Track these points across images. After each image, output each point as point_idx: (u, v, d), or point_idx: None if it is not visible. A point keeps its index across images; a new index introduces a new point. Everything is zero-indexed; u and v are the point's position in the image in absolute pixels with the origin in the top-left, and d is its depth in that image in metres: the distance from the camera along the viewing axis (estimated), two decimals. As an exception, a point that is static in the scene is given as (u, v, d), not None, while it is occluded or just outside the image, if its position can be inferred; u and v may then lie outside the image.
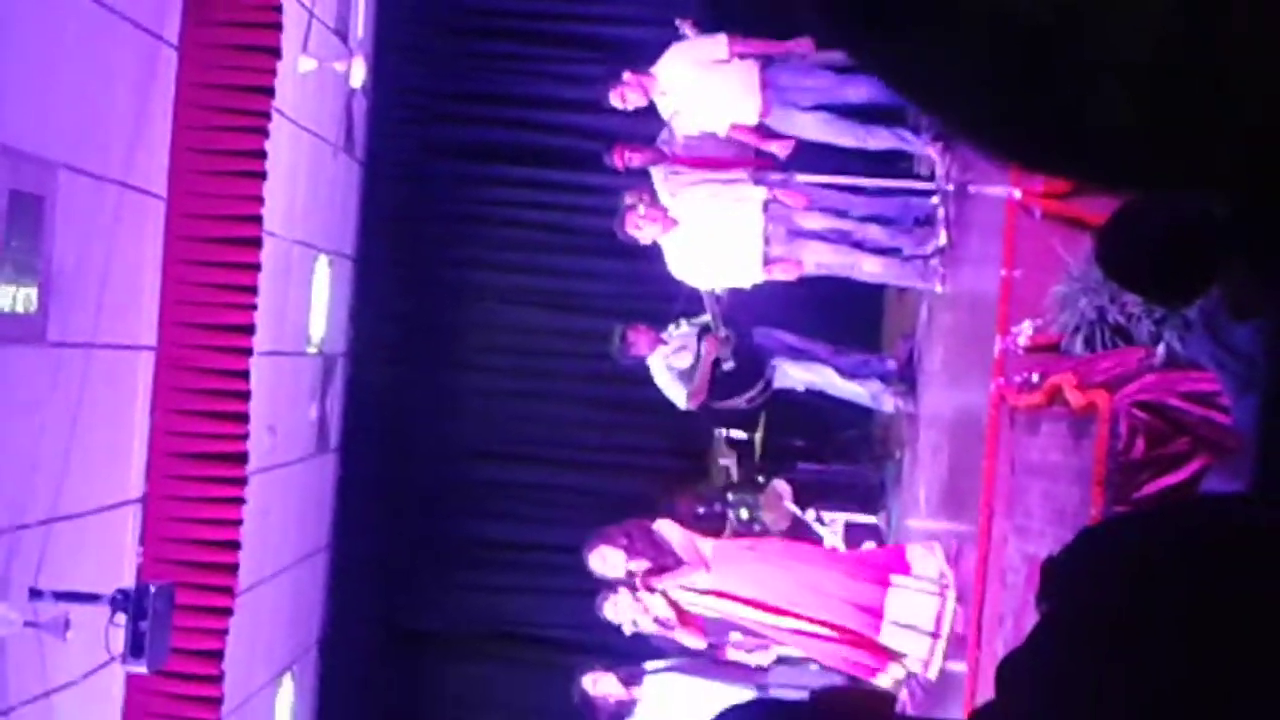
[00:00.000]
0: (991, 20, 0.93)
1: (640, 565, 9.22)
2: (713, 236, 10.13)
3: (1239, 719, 1.21)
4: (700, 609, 9.32)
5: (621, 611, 9.66)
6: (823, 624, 9.16)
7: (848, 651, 9.19)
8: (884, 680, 9.13)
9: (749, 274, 10.19)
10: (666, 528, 9.50)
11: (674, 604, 9.25)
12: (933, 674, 9.02)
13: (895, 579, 9.14)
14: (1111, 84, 0.93)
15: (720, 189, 10.23)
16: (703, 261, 10.25)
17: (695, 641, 9.50)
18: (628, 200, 10.64)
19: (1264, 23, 0.91)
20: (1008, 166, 1.09)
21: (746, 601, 9.19)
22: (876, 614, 9.19)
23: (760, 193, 10.16)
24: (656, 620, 9.49)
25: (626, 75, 10.45)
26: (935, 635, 9.04)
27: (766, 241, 10.09)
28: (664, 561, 9.34)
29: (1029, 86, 0.95)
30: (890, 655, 9.14)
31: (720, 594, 9.20)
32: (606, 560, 9.34)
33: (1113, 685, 1.25)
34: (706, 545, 9.38)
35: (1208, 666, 1.22)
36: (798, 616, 9.15)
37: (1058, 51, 0.93)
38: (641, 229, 10.17)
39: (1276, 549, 1.28)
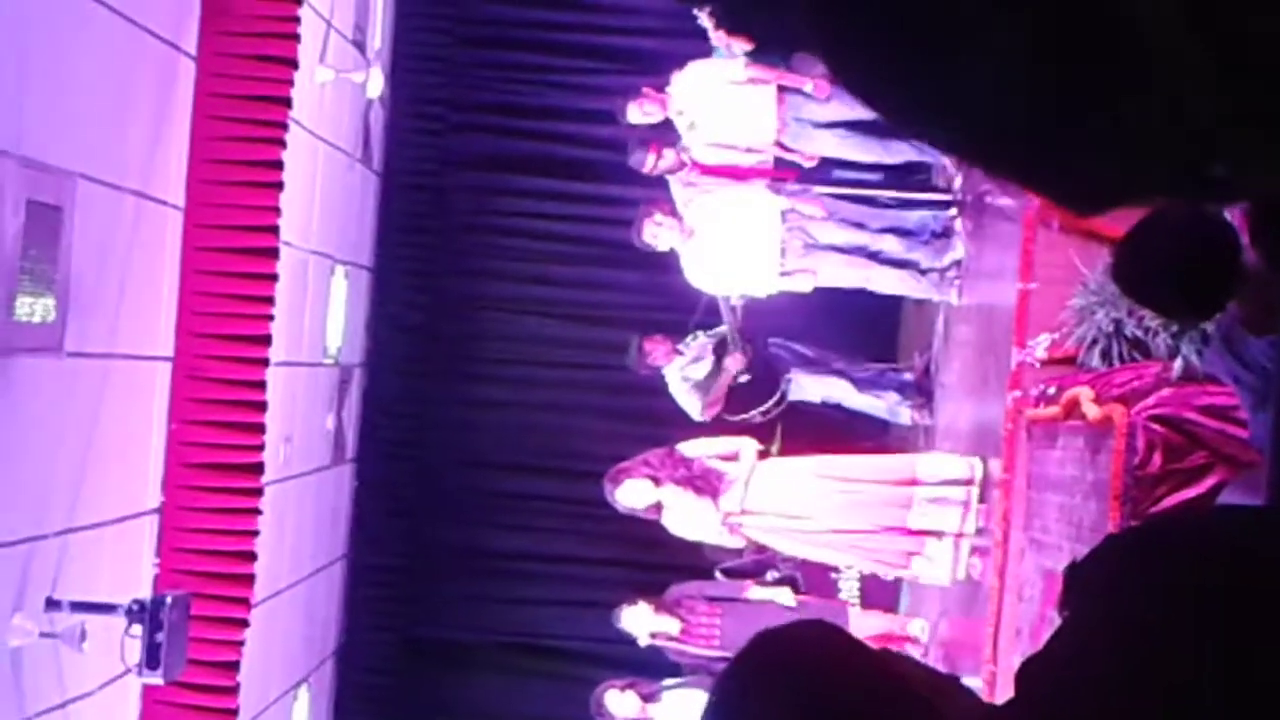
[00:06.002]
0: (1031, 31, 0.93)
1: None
2: (730, 243, 10.13)
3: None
4: (760, 531, 9.36)
5: (638, 622, 9.66)
6: (856, 529, 9.21)
7: (882, 541, 9.25)
8: (920, 565, 9.18)
9: (765, 283, 10.19)
10: (690, 446, 9.55)
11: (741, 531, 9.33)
12: (961, 574, 9.04)
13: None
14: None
15: (739, 194, 10.24)
16: (719, 268, 10.24)
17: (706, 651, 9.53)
18: (643, 208, 10.65)
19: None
20: (1039, 193, 1.08)
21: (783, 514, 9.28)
22: (908, 487, 9.27)
23: (779, 202, 10.15)
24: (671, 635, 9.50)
25: (645, 90, 10.44)
26: (959, 535, 9.10)
27: (783, 252, 10.09)
28: (696, 482, 9.35)
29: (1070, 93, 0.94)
30: (923, 534, 9.18)
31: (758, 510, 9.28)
32: (636, 490, 9.36)
33: (1129, 686, 1.25)
34: (737, 443, 9.41)
35: (1228, 670, 1.22)
36: (834, 531, 9.23)
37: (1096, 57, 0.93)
38: (658, 236, 10.17)
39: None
